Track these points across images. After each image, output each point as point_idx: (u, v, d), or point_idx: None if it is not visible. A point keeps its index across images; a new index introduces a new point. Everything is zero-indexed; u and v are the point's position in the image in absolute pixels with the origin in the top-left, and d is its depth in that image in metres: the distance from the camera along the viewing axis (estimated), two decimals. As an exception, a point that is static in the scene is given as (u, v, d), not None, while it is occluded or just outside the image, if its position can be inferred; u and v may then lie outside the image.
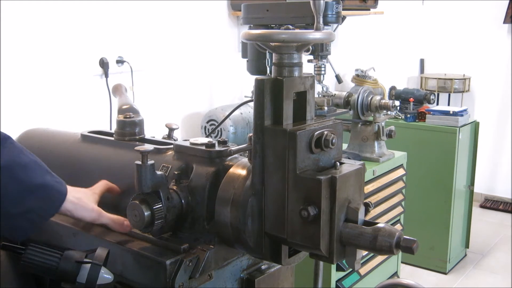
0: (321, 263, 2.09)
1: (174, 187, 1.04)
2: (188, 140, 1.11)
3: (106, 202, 1.17)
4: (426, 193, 3.76)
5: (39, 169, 0.94)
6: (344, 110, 2.65)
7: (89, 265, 0.93)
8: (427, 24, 5.45)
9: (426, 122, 3.70)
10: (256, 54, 2.50)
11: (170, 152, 1.14)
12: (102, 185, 1.12)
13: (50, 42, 2.64)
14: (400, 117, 3.76)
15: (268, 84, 0.94)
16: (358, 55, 4.79)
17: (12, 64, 2.47)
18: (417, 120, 3.76)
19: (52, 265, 0.92)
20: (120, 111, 1.30)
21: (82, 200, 1.03)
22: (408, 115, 3.74)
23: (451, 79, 5.05)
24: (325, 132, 0.93)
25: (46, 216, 0.95)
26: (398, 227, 2.69)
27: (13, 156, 0.90)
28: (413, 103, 3.76)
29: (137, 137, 1.26)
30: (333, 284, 2.39)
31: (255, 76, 0.97)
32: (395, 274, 2.85)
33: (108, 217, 1.06)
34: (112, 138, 1.27)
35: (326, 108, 2.50)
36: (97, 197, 1.08)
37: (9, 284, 1.16)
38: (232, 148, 1.06)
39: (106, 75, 2.90)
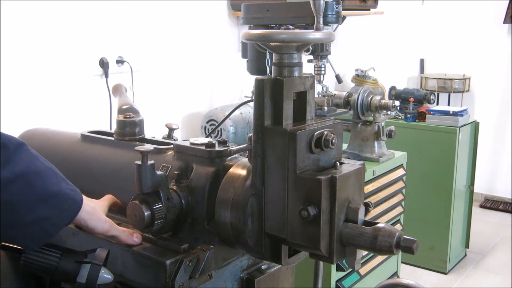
0: (321, 263, 2.09)
1: (174, 187, 1.04)
2: (188, 140, 1.11)
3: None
4: (426, 193, 3.76)
5: (54, 177, 0.91)
6: (344, 110, 2.65)
7: (89, 265, 0.93)
8: (427, 24, 5.45)
9: (426, 122, 3.70)
10: (256, 54, 2.50)
11: (170, 152, 1.14)
12: (109, 198, 1.10)
13: (50, 42, 2.64)
14: (400, 117, 3.76)
15: (268, 84, 0.93)
16: (358, 55, 4.79)
17: (12, 64, 2.47)
18: (417, 120, 3.76)
19: (52, 265, 0.92)
20: (120, 111, 1.30)
21: (96, 210, 1.01)
22: (408, 115, 3.74)
23: (451, 79, 5.05)
24: (325, 132, 0.93)
25: (61, 225, 0.92)
26: (398, 227, 2.69)
27: (29, 163, 0.88)
28: (413, 103, 3.76)
29: (137, 137, 1.26)
30: (333, 284, 2.39)
31: (255, 76, 0.97)
32: (395, 274, 2.85)
33: (119, 229, 1.04)
34: (112, 138, 1.27)
35: (326, 108, 2.50)
36: (107, 209, 1.06)
37: (9, 284, 1.16)
38: (232, 148, 1.06)
39: (106, 75, 2.90)
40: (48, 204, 0.89)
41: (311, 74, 1.00)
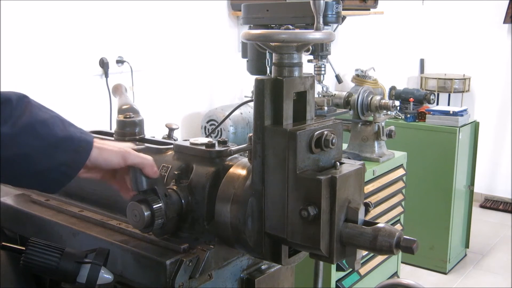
0: (321, 263, 2.09)
1: (174, 187, 1.04)
2: (188, 140, 1.11)
3: (104, 202, 1.17)
4: (426, 193, 3.75)
5: (61, 123, 0.93)
6: (344, 110, 2.65)
7: (89, 265, 0.93)
8: (427, 24, 5.45)
9: (426, 122, 3.70)
10: (256, 54, 2.50)
11: (170, 152, 1.14)
12: (144, 161, 0.99)
13: (50, 42, 2.64)
14: (400, 117, 3.75)
15: (268, 84, 0.93)
16: (358, 55, 4.79)
17: (12, 64, 2.47)
18: (417, 120, 3.75)
19: (52, 265, 0.92)
20: (120, 111, 1.30)
21: (106, 143, 0.99)
22: (408, 115, 3.74)
23: (451, 79, 5.05)
24: (325, 132, 0.93)
25: (78, 167, 0.93)
26: (398, 227, 2.69)
27: (32, 114, 0.90)
28: (413, 103, 3.76)
29: (137, 137, 1.26)
30: (333, 284, 2.39)
31: (255, 76, 0.97)
32: (395, 274, 2.85)
33: (139, 156, 0.99)
34: (112, 138, 1.27)
35: (326, 108, 2.50)
36: (127, 161, 0.99)
37: (9, 284, 1.16)
38: (232, 148, 1.06)
39: (106, 75, 2.90)
40: (61, 149, 0.91)
41: (311, 74, 1.00)
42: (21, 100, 0.91)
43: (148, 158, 1.00)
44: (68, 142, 0.92)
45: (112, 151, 0.97)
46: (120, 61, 2.98)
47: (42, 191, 0.97)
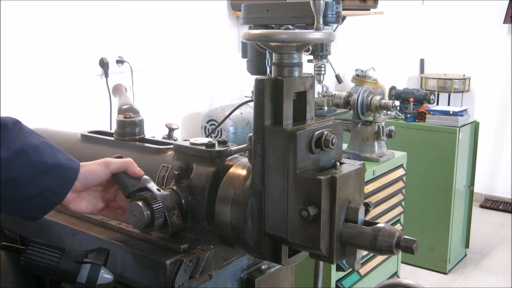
0: (321, 263, 2.09)
1: (174, 187, 1.04)
2: (188, 140, 1.11)
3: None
4: (426, 193, 3.76)
5: (50, 149, 0.94)
6: (344, 110, 2.65)
7: (89, 265, 0.93)
8: (427, 24, 5.45)
9: (426, 122, 3.70)
10: (256, 54, 2.50)
11: (170, 152, 1.14)
12: (125, 161, 1.02)
13: (50, 42, 2.64)
14: (400, 117, 3.76)
15: (268, 84, 0.93)
16: (358, 55, 4.79)
17: (12, 64, 2.47)
18: (417, 120, 3.76)
19: (52, 265, 0.92)
20: (120, 111, 1.30)
21: (85, 163, 1.00)
22: (408, 115, 3.74)
23: (451, 79, 5.05)
24: (325, 132, 0.93)
25: (64, 193, 0.95)
26: (398, 227, 2.69)
27: (25, 139, 0.91)
28: (413, 103, 3.76)
29: (137, 137, 1.26)
30: (333, 284, 2.39)
31: (255, 76, 0.97)
32: (395, 274, 2.85)
33: (117, 160, 1.01)
34: (112, 138, 1.27)
35: (326, 108, 2.50)
36: (110, 167, 1.01)
37: (9, 284, 1.16)
38: (232, 148, 1.06)
39: (106, 75, 2.90)
40: (49, 176, 0.92)
41: (311, 74, 1.00)
42: (15, 125, 0.91)
43: (128, 159, 1.02)
44: (57, 169, 0.93)
45: (93, 163, 1.00)
46: (120, 61, 2.98)
47: (24, 218, 0.96)
